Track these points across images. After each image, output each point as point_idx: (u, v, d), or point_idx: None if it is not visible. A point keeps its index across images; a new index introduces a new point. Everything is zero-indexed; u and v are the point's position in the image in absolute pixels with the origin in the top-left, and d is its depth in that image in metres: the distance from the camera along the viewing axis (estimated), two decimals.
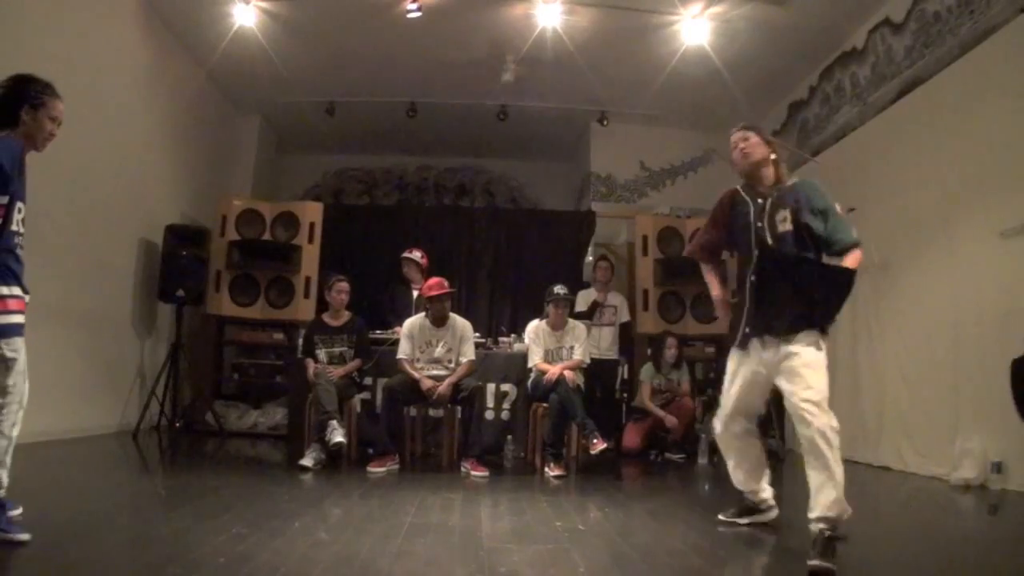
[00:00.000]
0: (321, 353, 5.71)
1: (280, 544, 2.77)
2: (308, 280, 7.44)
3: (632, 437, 6.43)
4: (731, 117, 8.52)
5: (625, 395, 7.44)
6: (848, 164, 6.68)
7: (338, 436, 4.96)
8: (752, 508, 3.46)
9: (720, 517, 3.52)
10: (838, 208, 3.09)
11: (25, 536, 2.59)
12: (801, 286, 3.01)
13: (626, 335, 7.44)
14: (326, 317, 5.90)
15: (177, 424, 6.87)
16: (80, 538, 2.77)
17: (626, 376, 7.56)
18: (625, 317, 7.35)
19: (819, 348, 3.00)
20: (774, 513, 3.45)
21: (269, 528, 3.01)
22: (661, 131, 9.19)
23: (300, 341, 6.18)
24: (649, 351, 7.08)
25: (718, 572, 2.82)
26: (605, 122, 8.90)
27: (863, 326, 6.29)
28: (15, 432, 2.70)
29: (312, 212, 7.67)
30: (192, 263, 6.90)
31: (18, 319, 2.73)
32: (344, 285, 5.87)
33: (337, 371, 5.55)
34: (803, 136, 7.81)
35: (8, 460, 2.68)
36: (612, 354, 7.18)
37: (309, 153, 10.48)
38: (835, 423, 2.95)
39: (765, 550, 3.14)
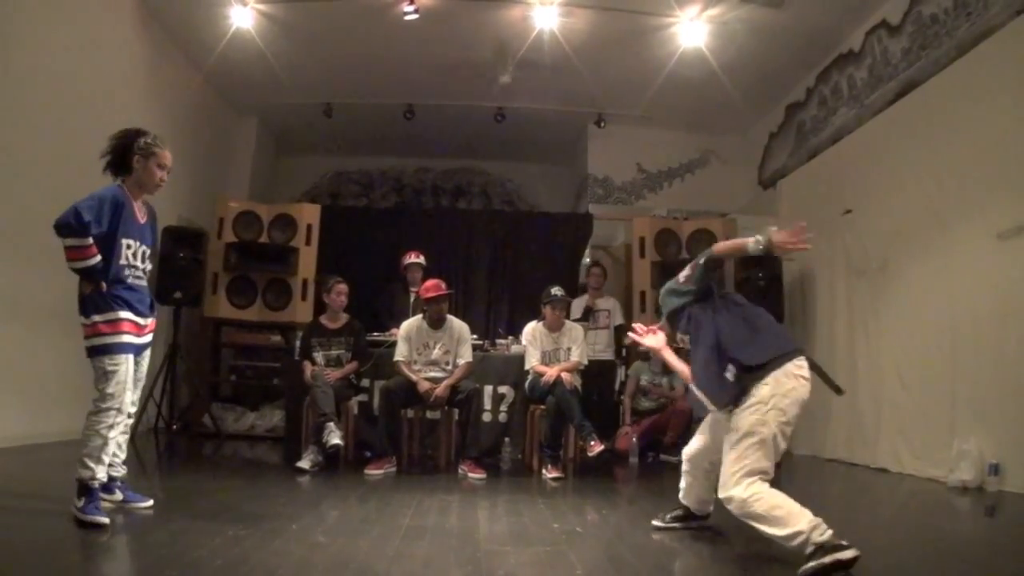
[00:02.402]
0: (318, 355, 5.70)
1: (278, 546, 2.77)
2: (305, 282, 7.44)
3: (626, 440, 6.40)
4: (728, 119, 8.68)
5: (623, 397, 7.46)
6: (845, 166, 6.69)
7: (335, 438, 4.95)
8: (693, 515, 3.41)
9: (655, 523, 3.43)
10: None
11: (105, 520, 2.95)
12: None
13: (621, 339, 7.49)
14: (324, 319, 5.89)
15: (174, 426, 6.86)
16: (78, 540, 2.76)
17: (624, 379, 7.58)
18: (619, 320, 7.43)
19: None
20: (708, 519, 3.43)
21: (266, 530, 3.01)
22: (658, 133, 9.20)
23: (297, 343, 6.17)
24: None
25: (716, 573, 2.82)
26: (602, 124, 8.91)
27: (860, 328, 6.30)
28: (111, 434, 3.10)
29: (309, 214, 7.67)
30: (189, 265, 6.89)
31: (124, 339, 3.17)
32: (343, 287, 5.87)
33: (334, 373, 5.54)
34: (800, 138, 7.82)
35: (105, 458, 3.07)
36: (608, 356, 7.27)
37: (306, 155, 10.48)
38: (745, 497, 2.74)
39: (764, 551, 3.14)
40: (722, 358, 2.88)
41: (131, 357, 3.21)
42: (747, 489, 2.74)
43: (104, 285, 3.14)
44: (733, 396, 2.85)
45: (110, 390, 3.09)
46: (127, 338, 3.19)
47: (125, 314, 3.19)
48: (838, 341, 6.57)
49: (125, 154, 3.28)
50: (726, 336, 2.91)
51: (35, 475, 4.20)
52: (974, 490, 4.60)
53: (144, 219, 3.39)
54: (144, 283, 3.37)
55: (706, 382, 2.96)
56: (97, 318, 3.12)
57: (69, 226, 3.01)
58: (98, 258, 3.10)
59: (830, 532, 2.53)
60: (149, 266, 3.42)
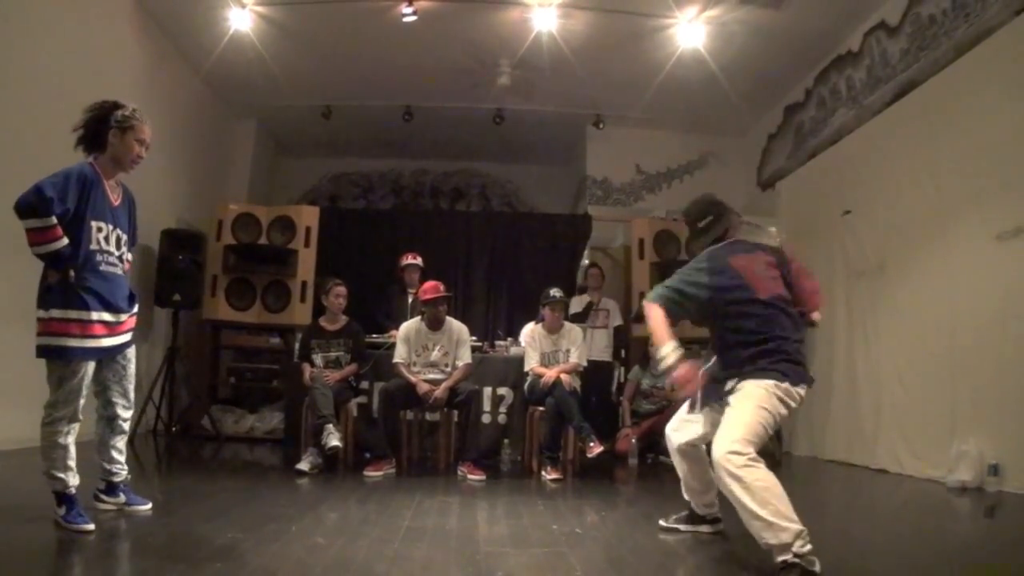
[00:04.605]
0: (317, 358, 5.69)
1: (277, 548, 2.76)
2: (304, 284, 7.43)
3: (626, 441, 6.40)
4: (727, 120, 8.68)
5: (621, 398, 7.47)
6: (844, 167, 6.69)
7: (334, 440, 4.94)
8: (699, 518, 3.34)
9: (661, 523, 3.40)
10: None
11: (90, 526, 2.84)
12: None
13: (619, 340, 7.50)
14: (323, 321, 5.88)
15: (174, 428, 6.86)
16: (77, 543, 2.76)
17: (622, 380, 7.59)
18: (618, 321, 7.46)
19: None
20: (720, 525, 3.33)
21: (266, 532, 3.01)
22: (657, 134, 9.21)
23: (296, 345, 6.17)
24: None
25: (714, 574, 2.82)
26: (601, 125, 8.92)
27: (859, 329, 6.29)
28: (69, 440, 2.90)
29: (308, 216, 7.67)
30: (188, 268, 6.89)
31: (88, 343, 2.92)
32: (342, 289, 5.86)
33: (333, 375, 5.54)
34: (799, 139, 7.83)
35: (71, 463, 2.91)
36: (606, 356, 7.29)
37: (305, 157, 10.49)
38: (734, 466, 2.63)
39: (762, 551, 3.13)
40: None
41: (91, 364, 2.98)
42: (751, 461, 2.61)
43: (72, 273, 2.89)
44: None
45: (62, 400, 2.88)
46: (91, 342, 2.93)
47: (96, 314, 2.94)
48: (837, 342, 6.56)
49: (100, 128, 3.05)
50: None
51: (31, 479, 4.18)
52: (973, 490, 4.60)
53: (118, 201, 3.13)
54: (119, 272, 3.10)
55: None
56: (56, 313, 2.86)
57: (30, 205, 2.77)
58: (64, 241, 2.85)
59: (810, 546, 2.48)
60: (127, 254, 3.18)
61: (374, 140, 9.90)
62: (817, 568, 2.46)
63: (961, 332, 5.02)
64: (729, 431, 2.71)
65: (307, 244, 7.55)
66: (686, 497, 3.36)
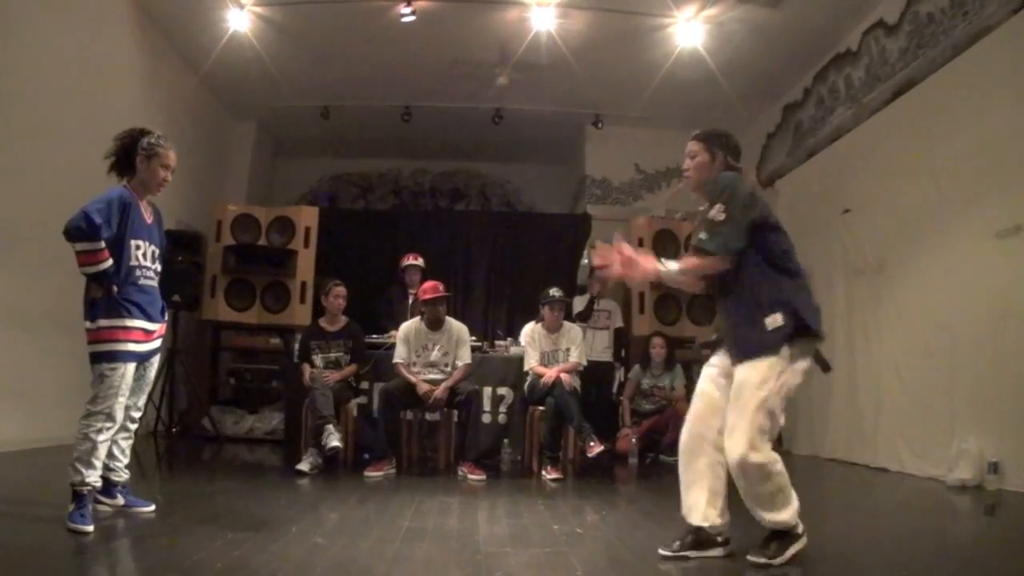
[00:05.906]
0: (317, 358, 5.69)
1: (277, 549, 2.76)
2: (304, 285, 7.44)
3: (626, 441, 6.41)
4: (726, 119, 8.67)
5: (621, 398, 7.47)
6: (843, 165, 6.69)
7: (334, 440, 4.94)
8: (707, 540, 2.82)
9: (661, 552, 2.81)
10: (719, 212, 2.80)
11: (89, 527, 2.86)
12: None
13: (620, 341, 7.50)
14: (322, 322, 5.88)
15: (174, 429, 6.85)
16: (78, 545, 2.76)
17: (622, 380, 7.59)
18: (619, 323, 7.46)
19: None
20: (728, 547, 2.84)
21: (266, 533, 3.01)
22: (656, 133, 9.17)
23: (296, 346, 6.17)
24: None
25: (715, 575, 2.82)
26: (600, 125, 8.92)
27: (859, 328, 6.29)
28: (100, 438, 3.04)
29: (307, 217, 7.67)
30: (188, 269, 6.89)
31: (129, 347, 3.14)
32: (341, 290, 5.86)
33: (333, 376, 5.54)
34: (798, 138, 7.82)
35: (96, 462, 3.03)
36: (607, 356, 7.28)
37: (304, 158, 10.48)
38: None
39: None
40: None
41: (132, 365, 3.17)
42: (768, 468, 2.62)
43: (116, 289, 3.11)
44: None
45: (101, 395, 3.06)
46: (132, 346, 3.16)
47: (135, 322, 3.16)
48: (837, 341, 6.56)
49: (129, 154, 3.28)
50: None
51: (34, 480, 4.20)
52: (973, 489, 4.60)
53: (151, 219, 3.37)
54: (155, 284, 3.34)
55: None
56: (104, 323, 3.09)
57: (80, 230, 2.98)
58: (110, 262, 3.08)
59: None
60: (159, 267, 3.38)
61: (373, 140, 9.90)
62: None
63: (961, 330, 5.02)
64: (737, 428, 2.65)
65: (306, 245, 7.55)
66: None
